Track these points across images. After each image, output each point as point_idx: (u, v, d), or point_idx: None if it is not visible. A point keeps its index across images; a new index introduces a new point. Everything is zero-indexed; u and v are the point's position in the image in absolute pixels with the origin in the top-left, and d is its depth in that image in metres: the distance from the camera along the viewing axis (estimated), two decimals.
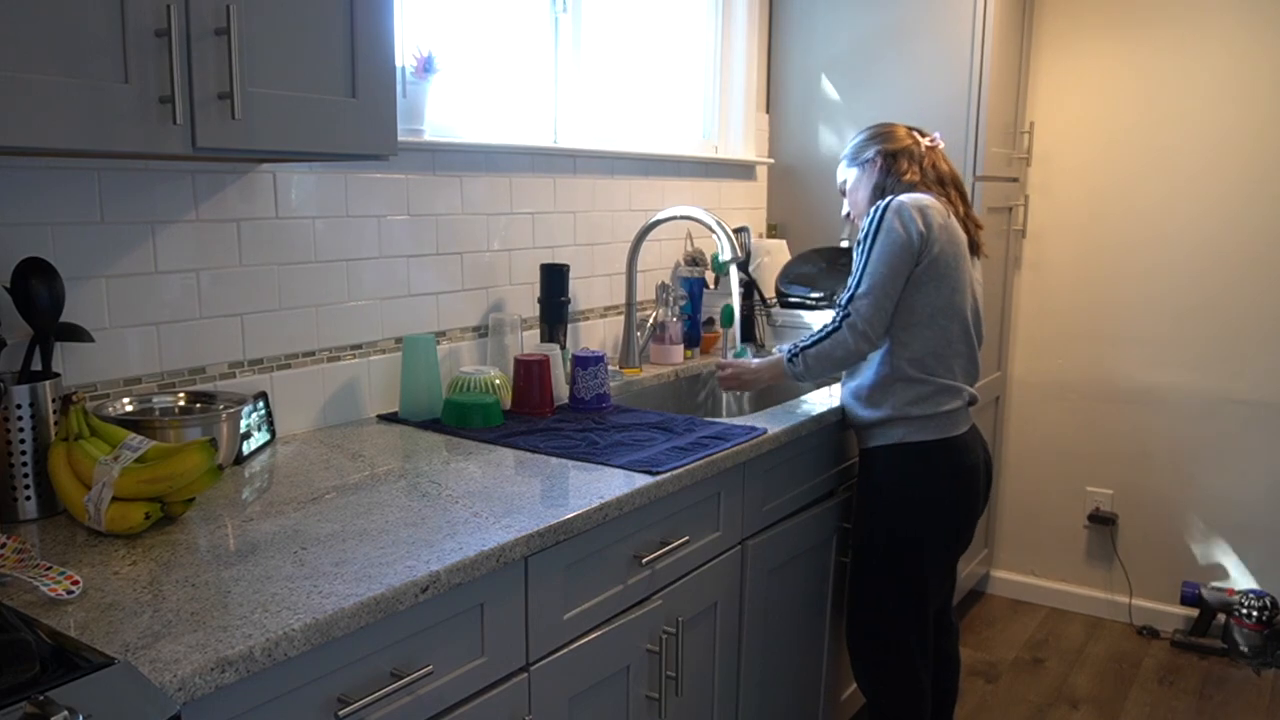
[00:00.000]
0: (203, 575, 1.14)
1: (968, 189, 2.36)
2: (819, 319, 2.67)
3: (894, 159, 2.06)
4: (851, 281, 1.97)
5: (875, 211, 1.96)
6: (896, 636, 2.07)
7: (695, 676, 1.79)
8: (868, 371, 2.03)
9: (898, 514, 2.03)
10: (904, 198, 1.96)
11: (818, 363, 2.00)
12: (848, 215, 2.20)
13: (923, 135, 2.11)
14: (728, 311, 2.68)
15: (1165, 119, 3.10)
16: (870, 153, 2.10)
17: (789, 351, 2.05)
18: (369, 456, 1.67)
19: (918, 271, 1.94)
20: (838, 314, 1.97)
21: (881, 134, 2.11)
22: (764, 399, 2.57)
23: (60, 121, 1.10)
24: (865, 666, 2.14)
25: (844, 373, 2.13)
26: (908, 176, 2.04)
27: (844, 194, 2.20)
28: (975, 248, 2.07)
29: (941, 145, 2.13)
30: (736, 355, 2.32)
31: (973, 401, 2.06)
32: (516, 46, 2.34)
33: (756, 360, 2.18)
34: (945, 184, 2.06)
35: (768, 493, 1.95)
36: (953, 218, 2.00)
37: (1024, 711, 2.80)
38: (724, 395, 2.64)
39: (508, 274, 2.26)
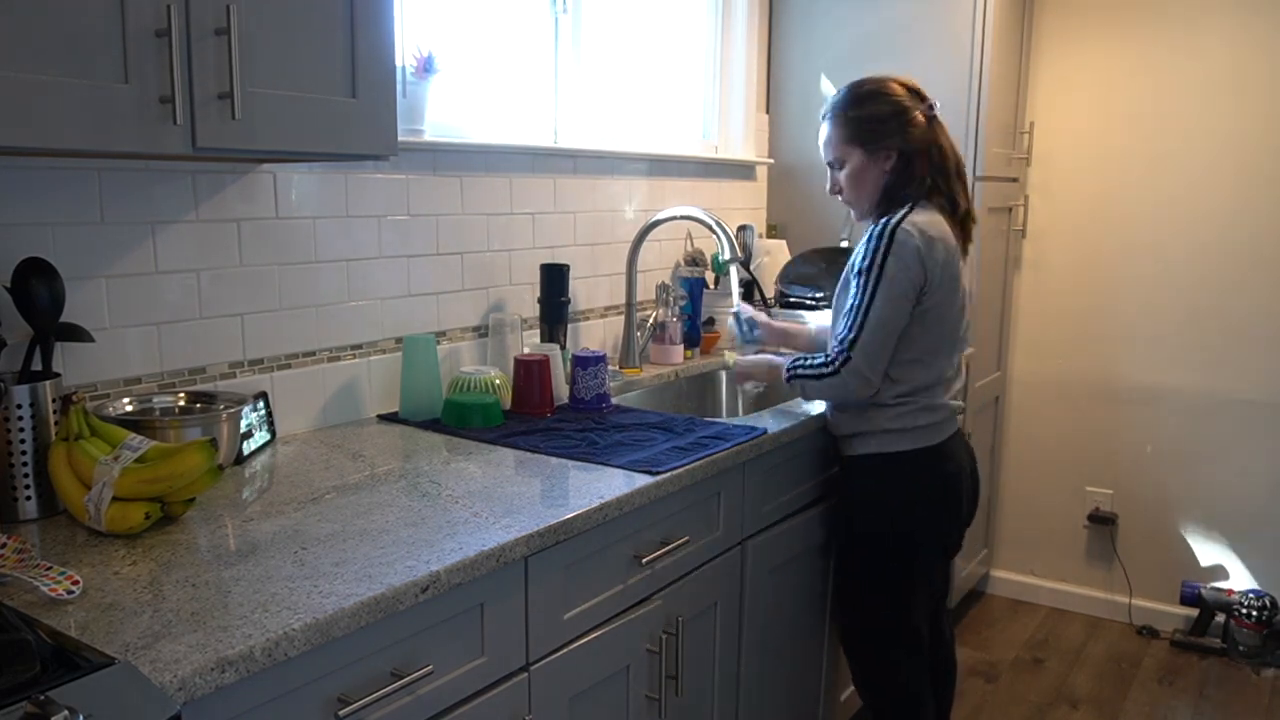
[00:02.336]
0: (203, 575, 1.14)
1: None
2: (820, 319, 2.67)
3: (909, 161, 1.92)
4: (852, 319, 1.87)
5: (878, 238, 1.85)
6: (886, 642, 2.06)
7: (695, 676, 1.79)
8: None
9: (877, 521, 2.00)
10: (911, 227, 1.84)
11: (812, 393, 1.96)
12: (838, 191, 2.01)
13: (922, 98, 1.95)
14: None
15: (1165, 119, 3.10)
16: (884, 144, 1.92)
17: (789, 369, 1.98)
18: (369, 456, 1.67)
19: (918, 310, 1.87)
20: (838, 354, 1.88)
21: (894, 116, 1.92)
22: (764, 399, 2.57)
23: (60, 121, 1.10)
24: (860, 673, 2.13)
25: None
26: (920, 182, 1.92)
27: (835, 167, 2.00)
28: (964, 249, 1.98)
29: (938, 110, 1.97)
30: (738, 333, 2.29)
31: (957, 409, 2.03)
32: (516, 46, 2.34)
33: (768, 359, 2.13)
34: (950, 176, 1.95)
35: (768, 493, 1.95)
36: (951, 235, 1.91)
37: (1024, 711, 2.80)
38: (724, 395, 2.64)
39: (508, 274, 2.26)
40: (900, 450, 1.95)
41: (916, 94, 1.96)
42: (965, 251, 1.99)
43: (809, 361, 1.95)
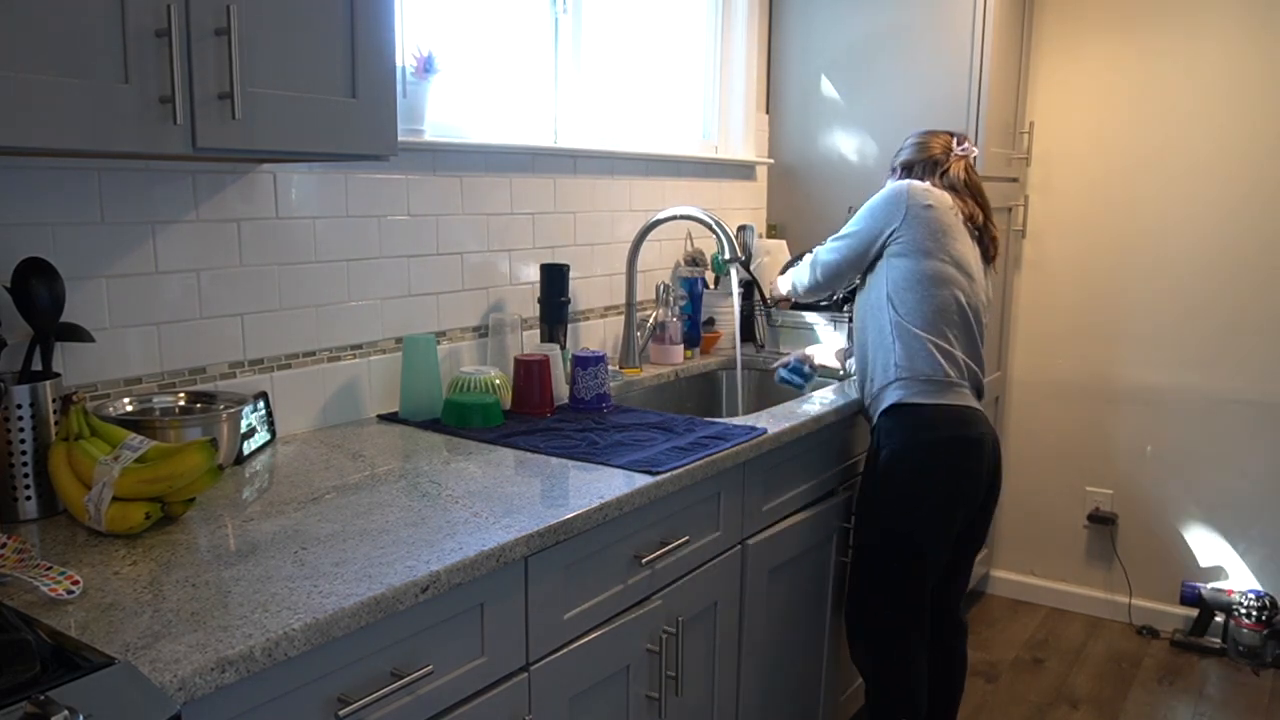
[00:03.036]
0: (203, 575, 1.14)
1: None
2: (820, 319, 2.67)
3: (909, 170, 2.21)
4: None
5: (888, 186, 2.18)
6: (893, 618, 2.08)
7: (695, 676, 1.79)
8: (872, 333, 2.12)
9: (894, 481, 2.04)
10: (908, 182, 2.13)
11: (790, 275, 2.38)
12: None
13: (958, 144, 2.21)
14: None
15: (1165, 119, 3.10)
16: (895, 163, 2.26)
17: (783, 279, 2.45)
18: (369, 456, 1.67)
19: (897, 244, 2.09)
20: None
21: (915, 145, 2.24)
22: (764, 399, 2.57)
23: (60, 121, 1.10)
24: (861, 648, 2.15)
25: (856, 352, 2.22)
26: (926, 182, 2.18)
27: None
28: (988, 257, 2.19)
29: (973, 155, 2.21)
30: (797, 382, 2.45)
31: (978, 386, 2.11)
32: (516, 46, 2.34)
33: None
34: (959, 189, 2.16)
35: (768, 493, 1.95)
36: (958, 213, 2.12)
37: (1024, 711, 2.80)
38: (724, 395, 2.64)
39: (508, 274, 2.26)
40: (919, 403, 2.04)
41: (955, 138, 2.23)
42: (990, 260, 2.21)
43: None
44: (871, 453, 2.14)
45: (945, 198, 2.12)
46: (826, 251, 2.22)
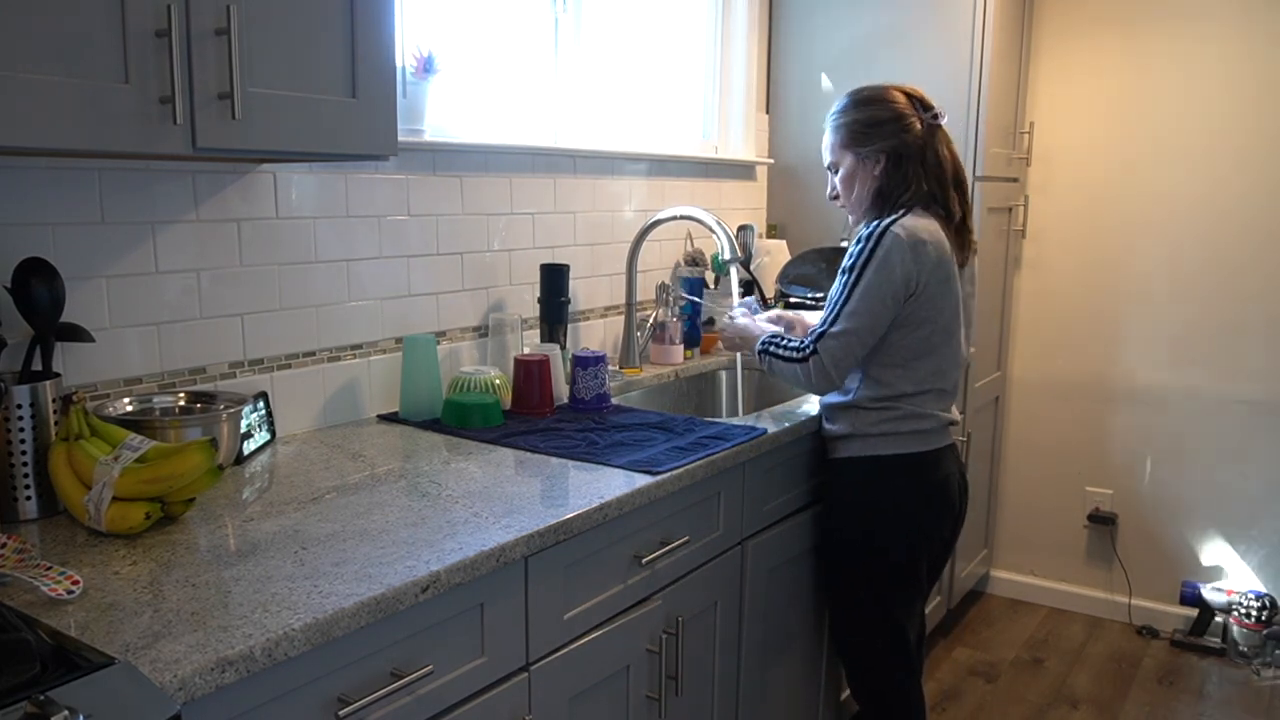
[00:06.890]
0: (203, 575, 1.14)
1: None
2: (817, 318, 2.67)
3: (900, 164, 1.90)
4: (828, 312, 1.88)
5: (868, 239, 1.85)
6: (872, 645, 2.05)
7: (695, 676, 1.79)
8: (832, 394, 1.98)
9: (859, 526, 1.99)
10: (900, 229, 1.83)
11: (777, 373, 1.97)
12: (835, 196, 2.02)
13: (925, 107, 1.93)
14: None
15: (1165, 119, 3.10)
16: (874, 146, 1.92)
17: (763, 343, 1.98)
18: (369, 456, 1.67)
19: (902, 314, 1.85)
20: (807, 344, 1.89)
21: (889, 120, 1.91)
22: (764, 399, 2.57)
23: (60, 121, 1.10)
24: (851, 677, 2.13)
25: None
26: (914, 187, 1.90)
27: (832, 171, 2.02)
28: (963, 258, 1.96)
29: (944, 120, 1.95)
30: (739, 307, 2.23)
31: (950, 423, 1.99)
32: (516, 46, 2.34)
33: (751, 329, 2.08)
34: (947, 184, 1.93)
35: (768, 493, 1.95)
36: (946, 240, 1.89)
37: (1024, 711, 2.80)
38: (724, 395, 2.64)
39: (508, 274, 2.26)
40: (883, 454, 1.93)
41: (919, 102, 1.95)
42: (965, 261, 1.97)
43: (785, 341, 1.95)
44: (829, 493, 2.07)
45: (940, 237, 1.87)
46: (829, 362, 1.85)
